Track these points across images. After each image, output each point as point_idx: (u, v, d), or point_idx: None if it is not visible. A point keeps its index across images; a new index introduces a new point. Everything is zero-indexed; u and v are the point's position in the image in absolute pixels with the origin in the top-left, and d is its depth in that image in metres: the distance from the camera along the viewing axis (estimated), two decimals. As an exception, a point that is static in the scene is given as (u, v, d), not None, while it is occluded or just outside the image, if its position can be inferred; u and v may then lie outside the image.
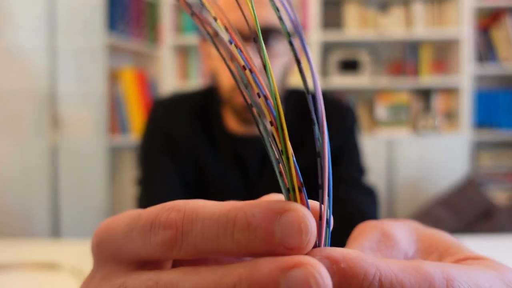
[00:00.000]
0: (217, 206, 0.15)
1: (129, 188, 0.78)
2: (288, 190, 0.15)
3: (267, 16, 0.64)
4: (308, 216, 0.14)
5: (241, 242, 0.14)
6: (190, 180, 0.74)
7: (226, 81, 0.67)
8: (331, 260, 0.15)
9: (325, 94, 0.86)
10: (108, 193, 1.77)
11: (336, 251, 0.15)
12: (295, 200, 0.15)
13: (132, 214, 0.16)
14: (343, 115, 0.77)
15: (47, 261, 0.69)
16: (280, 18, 0.16)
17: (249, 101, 0.16)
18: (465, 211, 1.77)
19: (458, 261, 0.18)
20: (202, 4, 0.15)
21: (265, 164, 0.74)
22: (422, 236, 0.21)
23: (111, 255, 0.17)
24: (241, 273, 0.14)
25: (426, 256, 0.20)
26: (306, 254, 0.15)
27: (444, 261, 0.19)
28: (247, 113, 0.68)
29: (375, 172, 2.01)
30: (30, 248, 0.79)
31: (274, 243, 0.14)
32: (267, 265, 0.14)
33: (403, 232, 0.20)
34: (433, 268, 0.15)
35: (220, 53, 0.16)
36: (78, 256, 0.75)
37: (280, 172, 0.15)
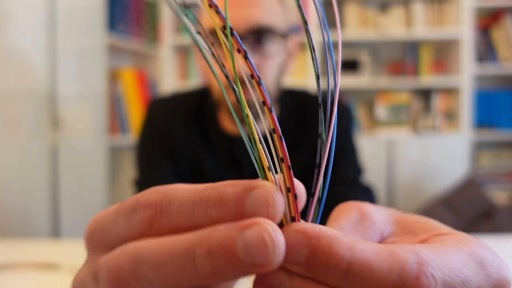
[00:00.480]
0: (194, 187, 0.16)
1: (129, 188, 0.78)
2: (263, 170, 0.16)
3: (261, 16, 0.63)
4: (275, 190, 0.15)
5: (214, 217, 0.15)
6: (186, 180, 0.74)
7: (217, 82, 0.67)
8: (304, 234, 0.15)
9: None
10: (108, 193, 1.77)
11: (313, 228, 0.16)
12: (265, 179, 0.16)
13: (116, 206, 0.18)
14: (339, 115, 0.77)
15: (47, 261, 0.69)
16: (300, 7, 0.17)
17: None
18: (465, 211, 1.77)
19: (432, 237, 0.19)
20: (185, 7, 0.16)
21: None
22: (399, 218, 0.21)
23: (100, 243, 0.17)
24: (201, 234, 0.15)
25: (403, 236, 0.20)
26: (282, 227, 0.15)
27: (420, 238, 0.19)
28: (239, 111, 0.67)
29: (375, 172, 2.01)
30: (30, 248, 0.79)
31: (244, 217, 0.15)
32: (225, 227, 0.15)
33: (380, 213, 0.21)
34: (407, 253, 0.15)
35: (206, 59, 0.17)
36: (78, 256, 0.74)
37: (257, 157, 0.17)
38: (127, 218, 0.16)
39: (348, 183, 0.72)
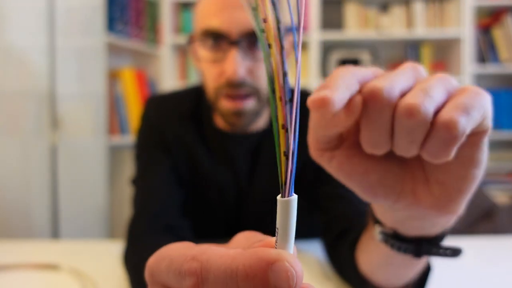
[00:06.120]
0: (224, 256, 0.19)
1: (128, 188, 0.78)
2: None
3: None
4: (293, 263, 0.18)
5: (244, 287, 0.18)
6: (183, 176, 0.74)
7: (211, 83, 0.67)
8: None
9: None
10: (107, 193, 1.76)
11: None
12: (279, 138, 0.17)
13: (167, 256, 0.21)
14: None
15: (47, 261, 0.69)
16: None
17: None
18: (465, 211, 1.76)
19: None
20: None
21: (254, 160, 0.74)
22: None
23: (159, 283, 0.22)
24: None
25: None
26: None
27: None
28: (233, 119, 0.68)
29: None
30: (29, 249, 0.79)
31: (269, 287, 0.18)
32: None
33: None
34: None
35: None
36: (78, 256, 0.74)
37: (273, 90, 0.17)
38: (177, 279, 0.20)
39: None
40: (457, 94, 0.28)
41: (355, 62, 2.15)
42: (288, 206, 0.18)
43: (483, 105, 0.27)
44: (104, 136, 1.75)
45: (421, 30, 2.12)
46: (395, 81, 0.28)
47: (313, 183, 0.71)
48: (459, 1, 2.06)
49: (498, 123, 2.15)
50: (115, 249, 0.76)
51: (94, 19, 1.70)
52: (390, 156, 0.32)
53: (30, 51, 1.39)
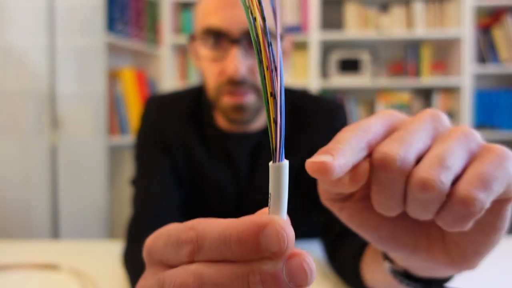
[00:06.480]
0: (220, 225, 0.20)
1: (128, 188, 0.78)
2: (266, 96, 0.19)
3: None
4: (284, 226, 0.18)
5: (237, 252, 0.19)
6: (183, 176, 0.74)
7: (212, 81, 0.67)
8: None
9: (316, 94, 0.86)
10: (107, 193, 1.76)
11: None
12: (269, 105, 0.19)
13: (165, 232, 0.22)
14: (334, 114, 0.77)
15: (47, 261, 0.69)
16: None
17: None
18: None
19: None
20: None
21: (254, 160, 0.74)
22: None
23: (157, 260, 0.23)
24: (253, 265, 0.19)
25: None
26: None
27: None
28: (234, 114, 0.68)
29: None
30: (29, 249, 0.79)
31: (261, 250, 0.18)
32: (272, 260, 0.19)
33: None
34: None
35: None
36: (78, 256, 0.74)
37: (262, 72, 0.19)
38: (174, 249, 0.21)
39: None
40: (479, 158, 0.26)
41: (355, 62, 2.14)
42: (280, 171, 0.19)
43: (509, 172, 0.25)
44: (104, 136, 1.75)
45: (421, 30, 2.12)
46: (410, 144, 0.25)
47: (313, 183, 0.71)
48: (459, 1, 2.06)
49: (498, 123, 2.15)
50: (115, 249, 0.76)
51: (94, 19, 1.70)
52: (404, 212, 0.29)
53: (30, 51, 1.39)
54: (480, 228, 0.28)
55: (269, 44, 0.18)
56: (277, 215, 0.19)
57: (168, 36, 2.13)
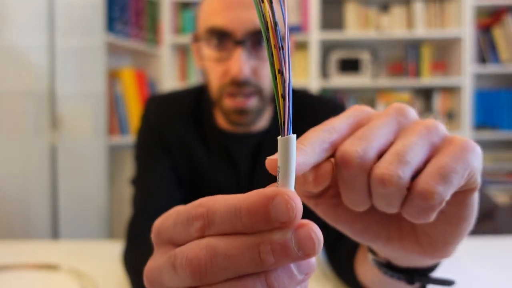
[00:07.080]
0: (229, 199, 0.20)
1: (128, 188, 0.78)
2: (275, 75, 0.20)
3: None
4: (293, 196, 0.19)
5: (247, 223, 0.19)
6: (183, 176, 0.74)
7: (215, 82, 0.67)
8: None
9: (317, 93, 0.86)
10: (107, 193, 1.76)
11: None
12: (277, 82, 0.20)
13: (173, 212, 0.22)
14: (334, 113, 0.77)
15: (47, 261, 0.69)
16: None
17: None
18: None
19: None
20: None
21: (255, 160, 0.74)
22: None
23: (166, 241, 0.23)
24: (263, 235, 0.19)
25: None
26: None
27: None
28: (235, 117, 0.68)
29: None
30: (29, 249, 0.79)
31: (270, 220, 0.19)
32: (281, 230, 0.20)
33: None
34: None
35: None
36: (78, 256, 0.74)
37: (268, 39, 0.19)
38: (184, 227, 0.21)
39: None
40: (441, 151, 0.26)
41: (355, 62, 2.14)
42: (288, 144, 0.20)
43: (469, 164, 0.25)
44: (104, 136, 1.75)
45: (421, 30, 2.12)
46: (371, 141, 0.26)
47: None
48: (459, 1, 2.06)
49: (498, 123, 2.15)
50: (115, 249, 0.76)
51: (94, 19, 1.70)
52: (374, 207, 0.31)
53: (30, 51, 1.39)
54: (446, 219, 0.29)
55: (276, 24, 0.19)
56: (285, 188, 0.20)
57: (168, 36, 2.12)
